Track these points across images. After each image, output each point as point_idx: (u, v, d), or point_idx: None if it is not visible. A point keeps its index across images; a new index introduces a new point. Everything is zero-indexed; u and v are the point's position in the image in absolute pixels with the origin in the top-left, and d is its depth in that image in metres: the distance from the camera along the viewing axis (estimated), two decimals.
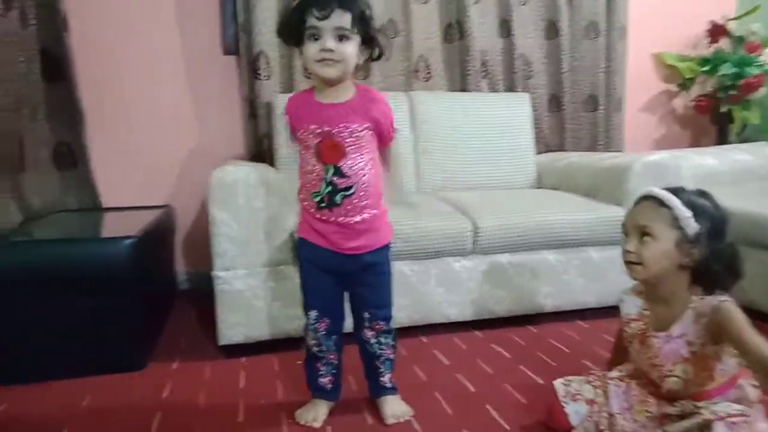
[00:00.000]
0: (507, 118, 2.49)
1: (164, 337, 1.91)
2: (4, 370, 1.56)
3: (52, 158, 2.20)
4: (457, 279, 1.88)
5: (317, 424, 1.32)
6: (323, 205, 1.24)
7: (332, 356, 1.36)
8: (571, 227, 1.93)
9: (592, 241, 1.96)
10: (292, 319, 1.69)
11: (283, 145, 2.20)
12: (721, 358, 1.14)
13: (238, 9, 2.32)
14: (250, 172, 1.68)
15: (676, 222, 1.11)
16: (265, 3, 2.28)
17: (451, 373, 1.61)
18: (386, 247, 1.32)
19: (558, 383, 1.27)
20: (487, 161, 2.43)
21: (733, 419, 1.05)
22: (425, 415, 1.37)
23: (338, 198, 1.23)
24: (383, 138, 1.29)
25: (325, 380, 1.37)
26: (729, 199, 1.26)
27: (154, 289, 1.94)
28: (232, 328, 1.70)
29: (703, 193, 1.16)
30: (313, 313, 1.32)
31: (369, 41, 1.22)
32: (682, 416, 1.13)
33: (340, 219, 1.24)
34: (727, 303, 1.10)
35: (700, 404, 1.12)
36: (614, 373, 1.28)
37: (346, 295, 1.36)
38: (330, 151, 1.22)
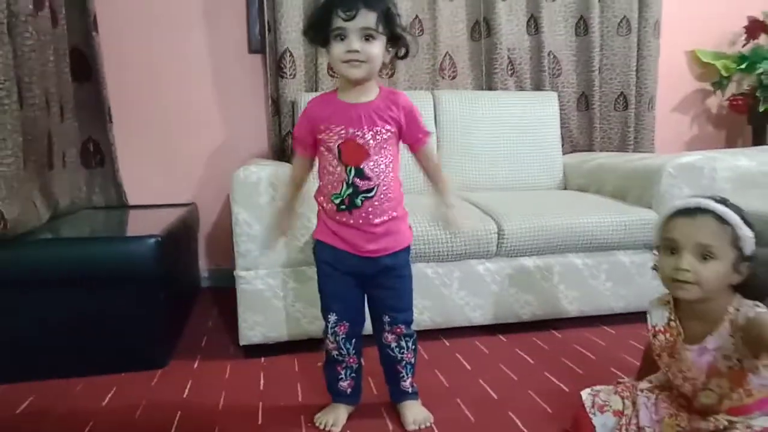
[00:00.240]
0: (534, 118, 2.44)
1: (186, 335, 1.92)
2: (29, 366, 1.59)
3: (79, 156, 2.24)
4: (481, 282, 1.84)
5: (336, 429, 1.31)
6: (343, 207, 1.22)
7: (352, 360, 1.34)
8: (600, 230, 1.87)
9: (623, 244, 1.91)
10: (313, 320, 1.69)
11: None
12: (759, 371, 1.08)
13: (264, 7, 2.33)
14: (274, 171, 1.67)
15: (736, 242, 1.05)
16: (291, 1, 2.28)
17: (473, 378, 1.58)
18: (406, 249, 1.30)
19: (585, 394, 1.22)
20: (513, 161, 2.39)
21: None
22: (446, 422, 1.34)
23: (359, 200, 1.21)
24: (414, 141, 1.27)
25: (344, 384, 1.35)
26: (760, 201, 1.19)
27: (177, 288, 1.96)
28: (253, 329, 1.70)
29: (728, 202, 1.10)
30: (333, 317, 1.31)
31: (395, 39, 1.20)
32: (714, 431, 1.09)
33: (360, 221, 1.22)
34: (765, 314, 1.05)
35: (735, 419, 1.07)
36: (644, 384, 1.23)
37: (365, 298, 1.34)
38: (353, 152, 1.20)
